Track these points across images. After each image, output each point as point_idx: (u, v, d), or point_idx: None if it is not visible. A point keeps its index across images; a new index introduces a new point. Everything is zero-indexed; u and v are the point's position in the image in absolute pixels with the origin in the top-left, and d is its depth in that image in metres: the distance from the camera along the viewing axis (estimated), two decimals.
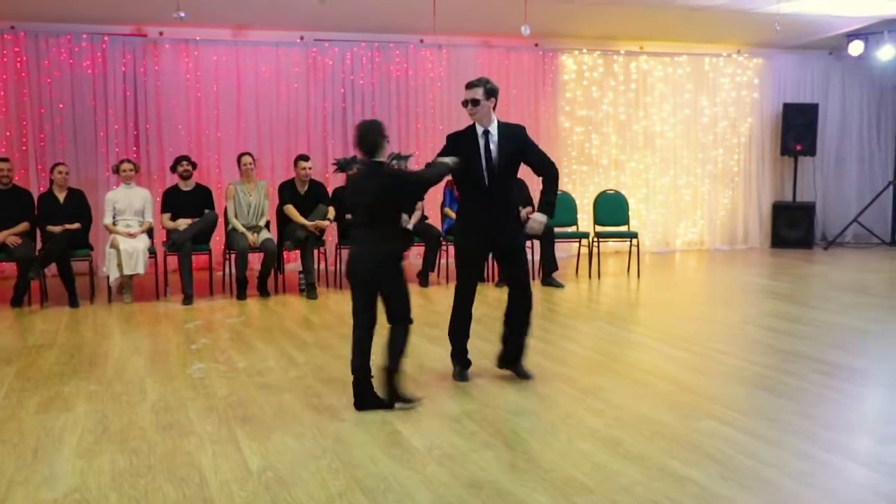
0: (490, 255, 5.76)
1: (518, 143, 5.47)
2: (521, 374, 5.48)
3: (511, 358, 5.53)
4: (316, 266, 8.92)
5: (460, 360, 5.62)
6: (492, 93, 5.49)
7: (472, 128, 5.51)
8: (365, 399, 4.84)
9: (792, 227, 12.53)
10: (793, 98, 12.69)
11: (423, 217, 9.48)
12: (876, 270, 10.41)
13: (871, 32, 11.65)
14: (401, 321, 4.97)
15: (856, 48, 11.82)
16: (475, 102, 5.44)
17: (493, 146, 5.44)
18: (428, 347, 6.43)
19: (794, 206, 12.59)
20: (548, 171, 5.60)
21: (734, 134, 12.59)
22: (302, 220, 8.76)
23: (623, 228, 10.25)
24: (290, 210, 8.83)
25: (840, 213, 12.95)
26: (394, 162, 9.22)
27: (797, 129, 12.40)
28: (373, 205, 4.90)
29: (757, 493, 3.64)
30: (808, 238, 12.47)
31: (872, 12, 10.84)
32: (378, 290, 4.96)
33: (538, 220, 5.42)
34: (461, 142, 5.45)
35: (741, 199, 12.66)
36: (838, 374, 5.59)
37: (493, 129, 5.48)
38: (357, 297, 4.97)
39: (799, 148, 12.39)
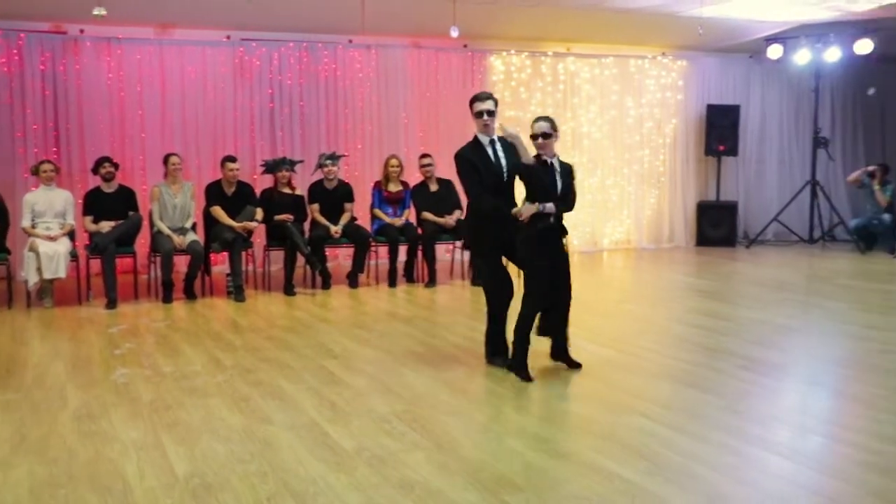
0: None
1: (514, 151, 5.55)
2: (571, 364, 5.74)
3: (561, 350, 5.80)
4: (244, 268, 8.81)
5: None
6: (496, 104, 5.70)
7: (477, 140, 5.68)
8: None
9: (715, 225, 12.80)
10: (716, 100, 12.96)
11: (353, 218, 9.42)
12: (795, 267, 10.69)
13: (789, 37, 11.96)
14: None
15: (775, 52, 12.13)
16: (491, 113, 5.63)
17: (500, 154, 5.65)
18: (357, 349, 6.39)
19: (718, 205, 12.86)
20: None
21: (659, 135, 12.80)
22: (229, 221, 8.64)
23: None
24: (217, 212, 8.70)
25: (761, 211, 13.27)
26: (327, 162, 9.26)
27: (720, 130, 12.67)
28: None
29: (683, 487, 3.70)
30: (731, 236, 12.75)
31: (790, 18, 11.13)
32: None
33: (529, 207, 5.44)
34: (476, 155, 5.61)
35: (667, 199, 12.88)
36: (760, 369, 5.72)
37: (496, 138, 5.68)
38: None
39: (722, 148, 12.66)
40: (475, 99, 5.70)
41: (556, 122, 5.58)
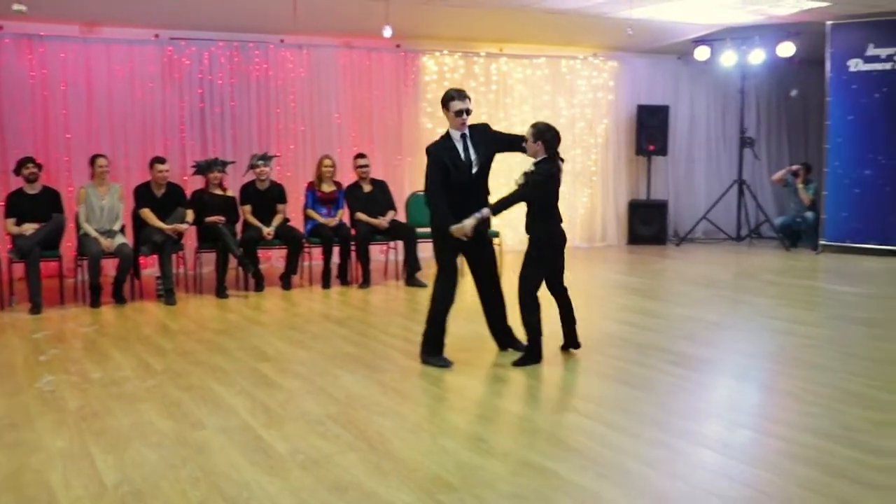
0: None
1: (487, 136, 5.82)
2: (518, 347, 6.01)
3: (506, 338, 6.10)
4: (174, 271, 8.66)
5: (439, 348, 5.81)
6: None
7: (448, 135, 5.80)
8: None
9: (646, 224, 12.99)
10: (645, 100, 13.15)
11: (285, 219, 9.33)
12: (723, 265, 10.90)
13: (716, 39, 12.20)
14: None
15: (702, 53, 12.35)
16: (469, 112, 5.76)
17: (471, 148, 5.75)
18: (291, 351, 6.33)
19: (649, 204, 13.06)
20: (519, 138, 5.87)
21: (591, 134, 12.94)
22: (159, 223, 8.48)
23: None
24: (147, 214, 8.54)
25: (690, 210, 13.51)
26: (259, 162, 9.16)
27: (650, 130, 12.86)
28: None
29: (616, 482, 3.74)
30: (662, 235, 12.95)
31: (716, 21, 11.35)
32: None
33: (469, 222, 5.58)
34: (446, 150, 5.73)
35: (599, 198, 13.02)
36: (690, 364, 5.81)
37: (467, 133, 5.80)
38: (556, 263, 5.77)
39: (652, 148, 12.86)
40: (454, 97, 5.72)
41: (540, 131, 5.69)
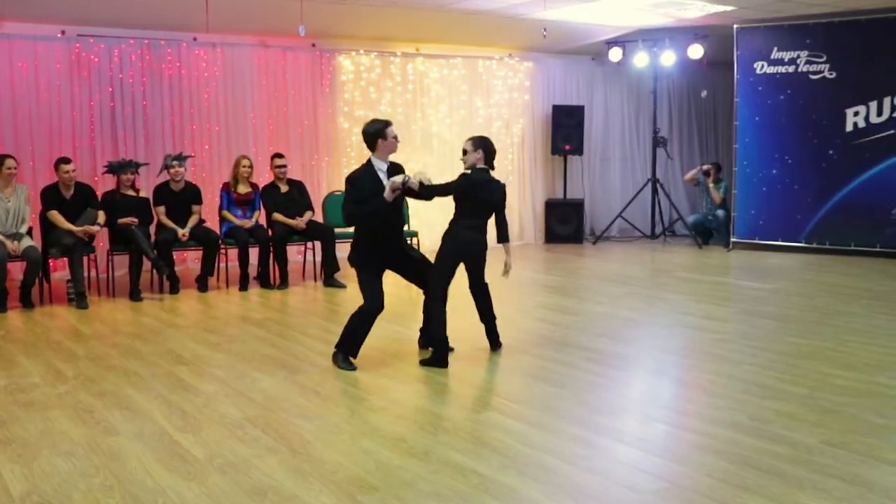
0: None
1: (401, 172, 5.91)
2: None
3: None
4: (86, 274, 8.44)
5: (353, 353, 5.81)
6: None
7: (370, 163, 5.85)
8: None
9: (563, 222, 13.16)
10: (561, 100, 13.33)
11: (201, 220, 9.18)
12: (639, 262, 11.13)
13: (628, 41, 12.45)
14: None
15: (615, 55, 12.58)
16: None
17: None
18: (208, 354, 6.24)
19: (565, 203, 13.23)
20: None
21: (508, 134, 13.05)
22: (68, 225, 8.26)
23: (404, 228, 10.37)
24: (55, 216, 8.30)
25: (606, 209, 13.73)
26: (174, 163, 8.99)
27: (565, 129, 13.02)
28: (496, 203, 5.97)
29: (536, 479, 3.80)
30: (579, 233, 13.13)
31: (628, 23, 11.58)
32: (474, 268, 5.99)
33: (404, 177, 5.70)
34: (367, 179, 5.78)
35: (516, 197, 13.13)
36: (606, 361, 5.92)
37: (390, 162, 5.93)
38: (452, 272, 5.86)
39: (567, 148, 13.03)
40: (388, 123, 5.84)
41: (480, 140, 5.90)
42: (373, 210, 5.71)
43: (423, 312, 6.15)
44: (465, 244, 5.85)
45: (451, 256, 5.84)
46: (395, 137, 5.86)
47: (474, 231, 5.87)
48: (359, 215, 5.78)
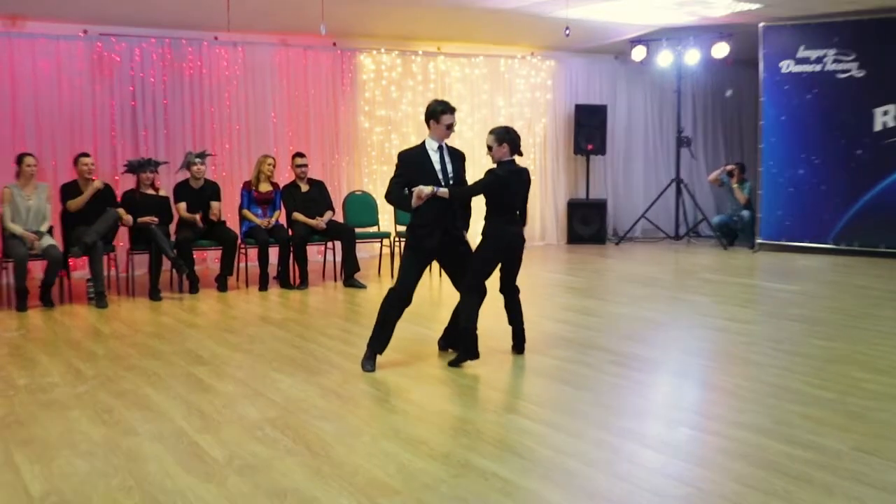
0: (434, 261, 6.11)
1: (459, 162, 5.96)
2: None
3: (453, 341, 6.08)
4: (106, 273, 8.48)
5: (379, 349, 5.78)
6: None
7: (423, 144, 5.89)
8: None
9: (586, 223, 13.10)
10: (583, 99, 13.28)
11: (221, 220, 9.20)
12: (662, 263, 11.06)
13: (652, 39, 12.38)
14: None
15: (638, 53, 12.51)
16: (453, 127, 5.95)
17: (447, 161, 5.85)
18: (227, 354, 6.24)
19: (588, 203, 13.17)
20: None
21: (530, 134, 13.01)
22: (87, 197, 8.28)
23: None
24: (75, 203, 8.35)
25: (629, 209, 13.68)
26: (196, 160, 9.01)
27: (588, 129, 12.97)
28: (526, 192, 5.95)
29: (559, 483, 3.76)
30: (601, 234, 13.08)
31: (652, 21, 11.50)
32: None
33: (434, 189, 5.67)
34: (418, 158, 5.82)
35: (538, 198, 13.10)
36: (630, 363, 5.87)
37: (444, 144, 5.93)
38: (493, 269, 5.85)
39: (590, 147, 12.98)
40: (446, 111, 5.82)
41: (503, 133, 5.83)
42: (396, 201, 5.86)
43: (453, 315, 6.11)
44: (509, 241, 5.85)
45: (496, 254, 5.83)
46: (450, 126, 5.83)
47: (514, 225, 5.89)
48: (389, 197, 5.88)
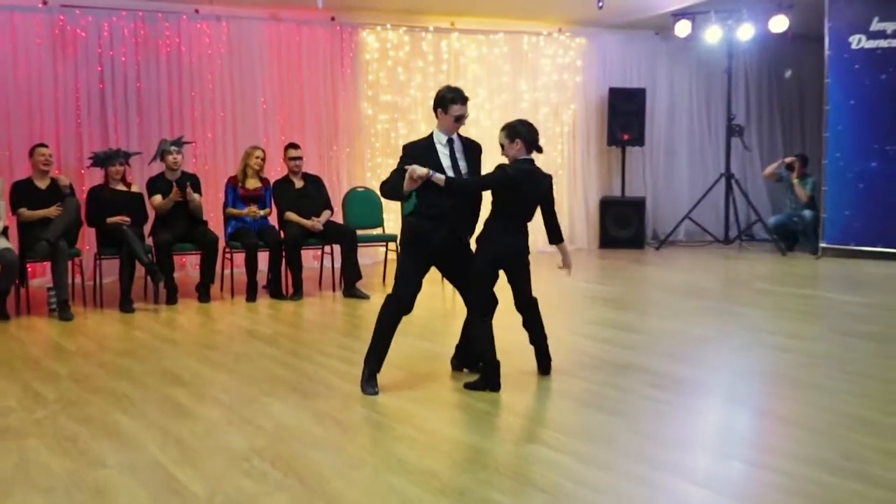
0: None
1: (475, 154, 6.00)
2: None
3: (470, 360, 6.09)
4: (70, 280, 8.51)
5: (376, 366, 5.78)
6: None
7: (431, 137, 5.91)
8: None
9: (621, 225, 13.09)
10: (619, 82, 13.27)
11: (203, 220, 9.23)
12: (710, 271, 11.03)
13: (698, 12, 12.34)
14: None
15: (682, 29, 12.49)
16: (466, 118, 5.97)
17: (458, 155, 5.86)
18: (209, 374, 6.26)
19: (623, 201, 13.17)
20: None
21: (557, 122, 13.02)
22: (44, 213, 8.28)
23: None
24: (27, 214, 8.36)
25: (671, 208, 13.65)
26: (172, 148, 9.03)
27: (624, 116, 12.96)
28: (541, 198, 5.89)
29: None
30: (639, 237, 13.07)
31: None
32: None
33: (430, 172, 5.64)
34: (424, 152, 5.81)
35: (566, 195, 13.09)
36: (673, 386, 5.85)
37: (455, 137, 5.95)
38: (490, 281, 5.81)
39: (626, 137, 12.97)
40: (456, 100, 5.83)
41: (513, 128, 5.84)
42: (389, 191, 5.84)
43: (463, 329, 6.12)
44: (501, 250, 5.80)
45: (487, 264, 5.79)
46: (459, 119, 5.83)
47: (512, 233, 5.81)
48: (383, 188, 5.90)
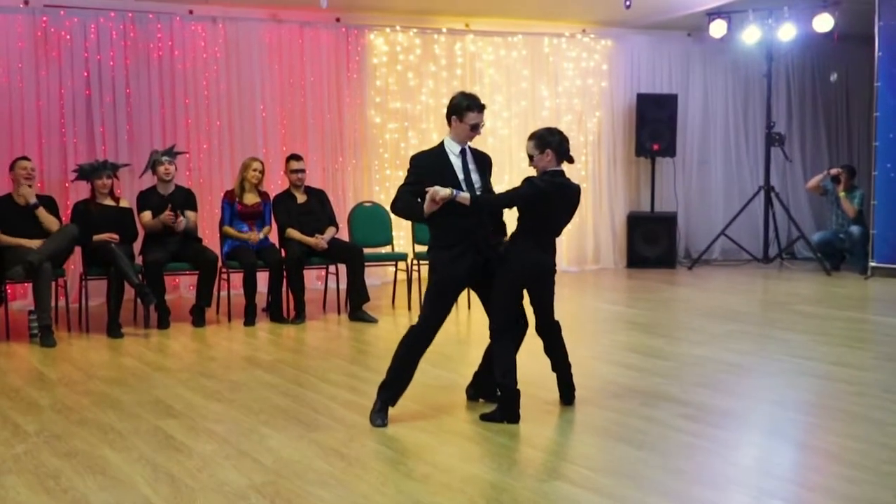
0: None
1: (486, 166, 6.06)
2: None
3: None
4: (53, 303, 8.54)
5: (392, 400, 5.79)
6: None
7: (442, 146, 5.97)
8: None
9: (650, 242, 13.07)
10: (648, 88, 13.27)
11: (197, 238, 9.26)
12: (748, 292, 11.01)
13: (735, 11, 12.33)
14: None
15: (718, 29, 12.48)
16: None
17: (471, 167, 5.90)
18: (204, 404, 6.27)
19: (653, 217, 13.15)
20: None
21: (581, 131, 13.01)
22: (22, 241, 8.33)
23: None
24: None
25: (705, 225, 13.63)
26: (164, 159, 9.05)
27: (654, 124, 12.95)
28: (571, 213, 6.01)
29: None
30: (670, 255, 13.04)
31: None
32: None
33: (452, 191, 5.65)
34: (435, 162, 5.86)
35: (590, 210, 13.09)
36: (706, 418, 5.84)
37: (468, 147, 6.00)
38: (516, 300, 5.84)
39: (656, 147, 12.96)
40: (473, 108, 5.86)
41: (543, 138, 5.83)
42: (405, 210, 5.91)
43: (484, 356, 6.12)
44: (527, 267, 5.82)
45: (514, 280, 5.80)
46: (475, 127, 5.85)
47: (540, 250, 5.84)
48: (395, 205, 5.91)
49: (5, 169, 9.29)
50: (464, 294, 9.90)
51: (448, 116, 5.92)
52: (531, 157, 5.85)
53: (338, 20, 11.49)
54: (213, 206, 10.12)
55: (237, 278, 9.32)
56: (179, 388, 6.72)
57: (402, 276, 10.26)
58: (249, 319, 9.10)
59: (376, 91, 11.85)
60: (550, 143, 5.80)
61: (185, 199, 9.23)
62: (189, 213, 9.13)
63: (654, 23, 12.83)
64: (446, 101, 6.08)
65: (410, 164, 5.93)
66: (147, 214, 9.04)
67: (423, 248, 10.21)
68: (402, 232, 10.89)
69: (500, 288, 5.81)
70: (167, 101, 10.75)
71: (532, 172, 5.91)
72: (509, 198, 5.83)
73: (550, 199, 5.76)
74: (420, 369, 5.84)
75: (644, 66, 13.44)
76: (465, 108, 5.84)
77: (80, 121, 10.38)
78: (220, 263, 9.21)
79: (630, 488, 4.62)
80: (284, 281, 9.27)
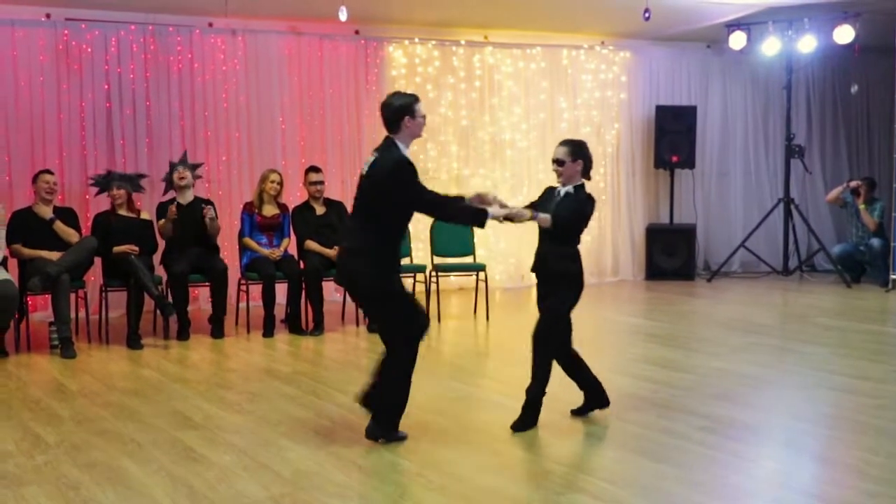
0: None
1: None
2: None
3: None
4: (74, 314, 8.59)
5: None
6: None
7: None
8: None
9: (669, 254, 13.04)
10: (667, 100, 13.27)
11: (215, 246, 9.28)
12: (767, 304, 10.97)
13: (755, 23, 12.31)
14: None
15: (737, 41, 12.46)
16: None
17: None
18: (223, 416, 6.30)
19: (672, 229, 13.13)
20: None
21: (599, 143, 12.99)
22: (42, 253, 8.38)
23: (468, 260, 10.40)
24: (22, 251, 8.45)
25: (724, 237, 13.59)
26: (179, 167, 9.08)
27: (673, 136, 12.93)
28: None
29: None
30: (689, 268, 13.00)
31: (755, 0, 11.50)
32: None
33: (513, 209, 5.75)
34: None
35: (609, 222, 13.08)
36: (725, 431, 5.83)
37: None
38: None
39: (675, 159, 12.94)
40: (417, 99, 5.67)
41: (579, 147, 5.93)
42: (455, 214, 5.83)
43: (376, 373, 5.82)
44: (582, 280, 5.95)
45: (577, 296, 5.92)
46: (424, 116, 5.66)
47: (581, 262, 5.97)
48: (444, 210, 5.80)
49: (27, 181, 9.37)
50: (481, 307, 9.95)
51: (397, 119, 5.57)
52: (560, 162, 5.88)
53: (357, 32, 11.53)
54: (233, 217, 10.14)
55: (256, 290, 9.35)
56: (198, 400, 6.75)
57: (420, 287, 10.25)
58: (268, 331, 9.13)
59: None
60: (584, 155, 5.87)
61: (203, 211, 9.21)
62: (207, 209, 9.10)
63: (673, 34, 12.82)
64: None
65: (411, 170, 5.60)
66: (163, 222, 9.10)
67: (441, 259, 10.24)
68: (420, 244, 10.89)
69: (568, 303, 5.89)
70: (187, 113, 10.80)
71: (545, 179, 5.92)
72: (584, 217, 5.88)
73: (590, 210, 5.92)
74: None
75: (663, 77, 13.43)
76: (413, 103, 5.58)
77: (100, 133, 10.43)
78: (238, 275, 9.22)
79: (648, 501, 4.62)
80: (303, 293, 9.30)
